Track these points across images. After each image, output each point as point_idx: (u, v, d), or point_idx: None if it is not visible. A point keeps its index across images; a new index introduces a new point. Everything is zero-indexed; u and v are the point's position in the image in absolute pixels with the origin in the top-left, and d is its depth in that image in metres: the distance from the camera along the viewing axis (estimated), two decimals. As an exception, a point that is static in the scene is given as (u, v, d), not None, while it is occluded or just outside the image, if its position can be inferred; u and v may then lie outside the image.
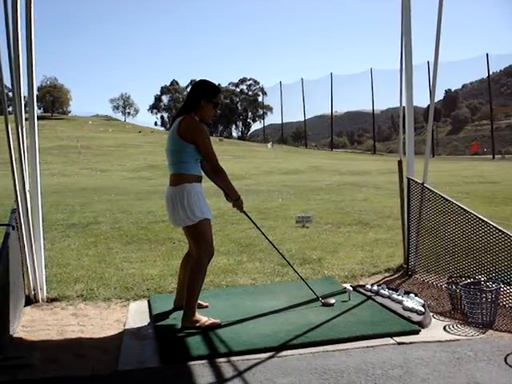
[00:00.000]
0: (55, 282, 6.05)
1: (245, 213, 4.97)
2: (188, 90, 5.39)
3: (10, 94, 5.36)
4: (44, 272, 5.67)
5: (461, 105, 60.90)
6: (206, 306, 5.06)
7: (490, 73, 39.47)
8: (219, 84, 60.32)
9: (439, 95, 54.00)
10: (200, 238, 4.61)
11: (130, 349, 4.21)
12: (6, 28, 4.88)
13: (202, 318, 4.56)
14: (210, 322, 4.55)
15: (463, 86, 62.31)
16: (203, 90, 4.66)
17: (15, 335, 4.55)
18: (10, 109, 6.20)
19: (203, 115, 4.66)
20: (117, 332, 4.64)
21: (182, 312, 4.74)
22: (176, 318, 4.78)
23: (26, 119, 5.49)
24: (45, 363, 3.95)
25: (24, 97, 5.53)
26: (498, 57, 38.95)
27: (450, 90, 58.27)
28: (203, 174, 4.77)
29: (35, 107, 5.71)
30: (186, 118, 4.57)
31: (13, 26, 5.11)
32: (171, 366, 3.88)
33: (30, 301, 5.46)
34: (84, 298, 5.60)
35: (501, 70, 54.13)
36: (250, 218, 5.13)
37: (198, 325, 4.51)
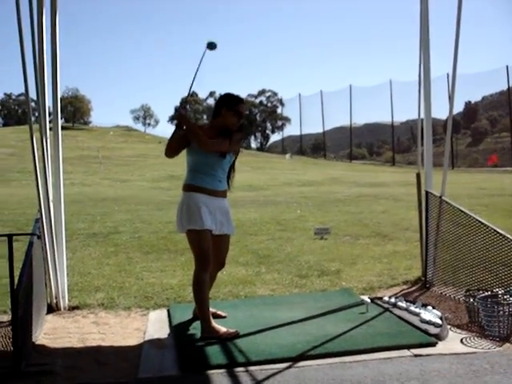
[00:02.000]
0: (76, 291, 6.15)
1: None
2: (207, 101, 5.54)
3: (34, 104, 5.49)
4: (66, 280, 5.77)
5: (480, 117, 60.46)
6: (225, 317, 5.12)
7: (510, 84, 39.16)
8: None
9: (459, 107, 53.64)
10: (192, 248, 4.80)
11: (150, 357, 4.28)
12: (31, 39, 5.00)
13: (221, 329, 4.60)
14: (228, 332, 4.58)
15: (483, 98, 61.88)
16: (224, 99, 4.87)
17: (37, 342, 4.63)
18: (34, 119, 6.31)
19: (226, 123, 4.79)
20: (137, 340, 4.71)
21: (199, 322, 4.84)
22: (195, 328, 4.84)
23: (49, 129, 5.60)
24: (67, 370, 4.03)
25: (48, 107, 5.64)
26: (519, 69, 38.61)
27: (469, 101, 57.89)
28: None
29: (59, 118, 5.83)
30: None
31: (38, 35, 5.24)
32: (190, 374, 3.94)
33: (52, 309, 5.56)
34: (105, 307, 5.68)
35: (521, 82, 53.71)
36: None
37: (216, 335, 4.55)
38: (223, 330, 4.60)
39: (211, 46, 4.91)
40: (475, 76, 37.09)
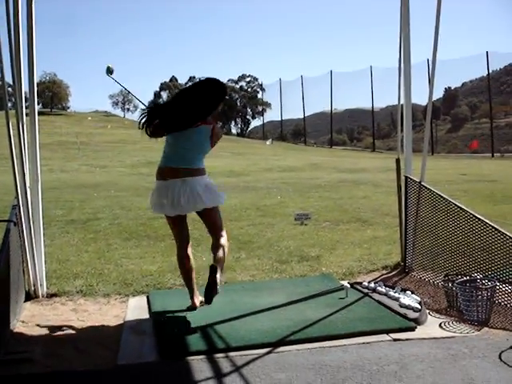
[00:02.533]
0: (55, 278, 6.09)
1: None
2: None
3: (10, 89, 5.40)
4: (44, 268, 5.71)
5: (460, 103, 60.85)
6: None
7: (490, 71, 39.45)
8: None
9: (439, 93, 53.92)
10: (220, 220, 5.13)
11: (129, 344, 4.26)
12: (7, 24, 4.91)
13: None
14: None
15: (463, 84, 62.28)
16: (222, 92, 4.87)
17: (16, 330, 4.59)
18: (10, 104, 6.22)
19: (215, 115, 4.88)
20: (116, 327, 4.68)
21: (180, 308, 4.91)
22: (175, 314, 4.83)
23: (26, 115, 5.52)
24: (45, 358, 4.00)
25: (24, 92, 5.55)
26: (498, 55, 38.83)
27: (449, 87, 58.25)
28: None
29: (36, 103, 5.74)
30: (216, 127, 4.88)
31: (14, 21, 5.13)
32: (170, 361, 3.93)
33: (30, 296, 5.50)
34: (83, 294, 5.64)
35: (501, 69, 54.13)
36: None
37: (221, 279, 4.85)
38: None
39: (109, 70, 5.15)
40: (455, 62, 37.30)
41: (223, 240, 4.95)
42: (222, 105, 4.95)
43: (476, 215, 5.20)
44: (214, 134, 4.79)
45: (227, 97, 4.90)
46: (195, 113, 4.70)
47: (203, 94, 4.72)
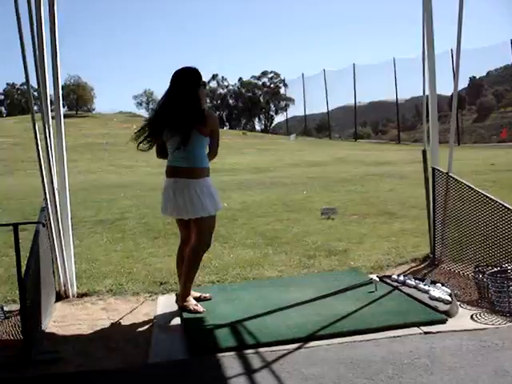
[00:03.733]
0: (85, 278, 6.16)
1: None
2: (210, 84, 5.39)
3: (36, 93, 5.46)
4: (74, 268, 5.77)
5: (486, 92, 60.04)
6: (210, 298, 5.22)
7: (515, 59, 38.85)
8: (240, 78, 59.94)
9: (464, 83, 53.31)
10: (206, 229, 4.96)
11: (160, 342, 4.28)
12: (30, 27, 4.95)
13: (198, 307, 4.89)
14: (201, 310, 4.85)
15: (488, 73, 61.42)
16: (195, 76, 4.83)
17: (47, 330, 4.65)
18: (36, 108, 6.29)
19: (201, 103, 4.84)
20: (146, 326, 4.72)
21: (210, 305, 4.95)
22: (204, 311, 4.85)
23: (52, 118, 5.58)
24: (77, 357, 4.04)
25: (50, 95, 5.61)
26: (523, 42, 38.24)
27: (474, 77, 57.49)
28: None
29: (61, 106, 5.80)
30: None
31: (37, 24, 5.19)
32: (200, 358, 3.94)
33: (61, 296, 5.56)
34: (113, 293, 5.69)
35: (526, 56, 53.23)
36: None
37: (190, 308, 4.87)
38: (200, 308, 4.91)
39: None
40: (479, 51, 36.81)
41: (190, 251, 4.95)
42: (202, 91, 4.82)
43: (505, 205, 5.13)
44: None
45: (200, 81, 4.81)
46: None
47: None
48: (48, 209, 5.22)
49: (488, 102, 56.72)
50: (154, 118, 4.92)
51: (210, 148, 4.89)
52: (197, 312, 4.79)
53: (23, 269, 4.13)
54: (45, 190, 5.19)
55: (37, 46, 5.05)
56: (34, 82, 5.14)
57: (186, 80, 4.76)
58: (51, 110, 5.61)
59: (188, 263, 4.88)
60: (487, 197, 5.36)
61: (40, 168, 5.12)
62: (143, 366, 3.87)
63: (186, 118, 4.64)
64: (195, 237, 4.90)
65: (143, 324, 4.77)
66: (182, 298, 4.93)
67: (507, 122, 44.89)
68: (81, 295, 5.67)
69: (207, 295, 5.24)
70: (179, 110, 4.68)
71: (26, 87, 6.23)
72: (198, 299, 5.12)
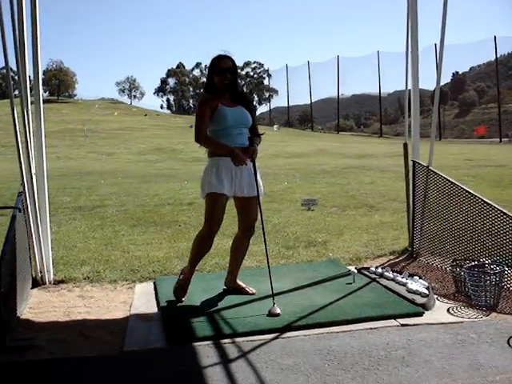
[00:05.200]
0: (62, 265, 6.10)
1: (253, 162, 4.84)
2: (194, 72, 5.34)
3: (16, 77, 5.38)
4: (50, 254, 5.72)
5: (468, 88, 60.55)
6: (253, 293, 5.04)
7: (498, 55, 39.17)
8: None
9: (446, 78, 53.80)
10: (204, 211, 4.82)
11: (136, 330, 4.25)
12: (11, 10, 4.88)
13: (181, 291, 4.90)
14: (181, 295, 4.88)
15: (471, 69, 61.99)
16: (209, 66, 4.79)
17: (22, 317, 4.60)
18: (16, 92, 6.20)
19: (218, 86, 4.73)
20: (123, 313, 4.68)
21: (188, 294, 4.91)
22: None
23: (31, 103, 5.50)
24: (52, 344, 4.00)
25: (30, 80, 5.54)
26: (506, 39, 38.51)
27: (457, 72, 57.97)
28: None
29: (41, 90, 5.73)
30: None
31: (18, 8, 5.12)
32: (177, 346, 3.92)
33: (37, 283, 5.51)
34: (90, 280, 5.64)
35: (509, 53, 53.67)
36: (255, 172, 4.87)
37: (175, 285, 4.96)
38: (181, 293, 4.89)
39: None
40: (463, 47, 37.09)
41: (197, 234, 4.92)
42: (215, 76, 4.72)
43: (484, 199, 5.16)
44: None
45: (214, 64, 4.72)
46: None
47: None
48: (25, 194, 5.15)
49: (470, 98, 57.21)
50: None
51: None
52: (175, 294, 4.88)
53: (-2, 254, 4.07)
54: (22, 174, 5.13)
55: (17, 28, 4.97)
56: (13, 65, 5.07)
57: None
58: (31, 95, 5.53)
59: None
60: (466, 191, 5.39)
61: (18, 153, 5.05)
62: (119, 354, 3.83)
63: None
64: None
65: (120, 312, 4.73)
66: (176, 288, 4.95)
67: (488, 118, 45.33)
68: (57, 282, 5.62)
69: (250, 291, 5.07)
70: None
71: (5, 70, 6.20)
72: (241, 290, 5.07)
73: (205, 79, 4.94)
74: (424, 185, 5.99)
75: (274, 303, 4.47)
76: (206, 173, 4.74)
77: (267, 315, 4.35)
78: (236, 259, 5.10)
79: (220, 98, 4.69)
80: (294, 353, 3.73)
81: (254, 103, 65.44)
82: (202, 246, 4.82)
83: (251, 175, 4.79)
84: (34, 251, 5.40)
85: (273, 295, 4.58)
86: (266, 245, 5.01)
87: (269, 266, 4.80)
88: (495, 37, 36.37)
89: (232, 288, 5.08)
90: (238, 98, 4.82)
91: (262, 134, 5.01)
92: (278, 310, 4.39)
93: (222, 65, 4.70)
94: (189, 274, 4.93)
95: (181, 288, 4.89)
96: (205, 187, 4.73)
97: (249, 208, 4.92)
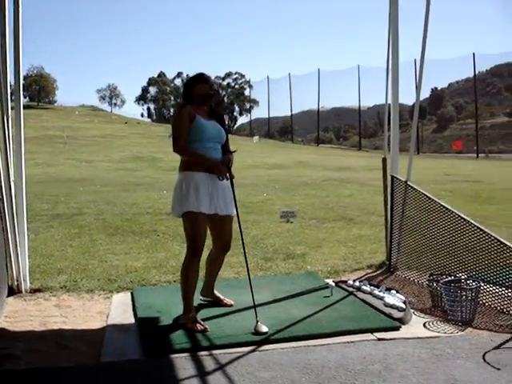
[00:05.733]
0: (38, 273, 6.05)
1: (231, 177, 4.75)
2: (175, 82, 5.27)
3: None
4: (27, 262, 5.66)
5: (447, 103, 61.18)
6: (231, 305, 5.00)
7: (477, 72, 39.70)
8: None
9: (425, 93, 54.28)
10: (186, 232, 4.60)
11: (113, 341, 4.22)
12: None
13: (196, 326, 4.37)
14: (200, 328, 4.35)
15: (449, 85, 62.64)
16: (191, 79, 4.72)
17: (-2, 325, 4.55)
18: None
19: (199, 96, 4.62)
20: (100, 324, 4.65)
21: (166, 305, 4.85)
22: (159, 311, 4.81)
23: (11, 108, 5.46)
24: (28, 354, 3.96)
25: (10, 85, 5.50)
26: (485, 56, 39.12)
27: (436, 88, 58.57)
28: None
29: (21, 96, 5.69)
30: None
31: (0, 13, 5.09)
32: (153, 358, 3.90)
33: (13, 291, 5.45)
34: (67, 290, 5.60)
35: (487, 70, 54.43)
36: (233, 187, 4.80)
37: (188, 326, 4.39)
38: (198, 326, 4.36)
39: None
40: (442, 62, 37.43)
41: (183, 263, 4.67)
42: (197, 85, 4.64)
43: (461, 215, 5.22)
44: None
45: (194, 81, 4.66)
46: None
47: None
48: (3, 201, 5.11)
49: (448, 113, 57.81)
50: None
51: None
52: (196, 331, 4.32)
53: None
54: (0, 181, 5.08)
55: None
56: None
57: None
58: (11, 100, 5.50)
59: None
60: (444, 206, 5.44)
61: (-4, 159, 5.02)
62: (95, 365, 3.81)
63: None
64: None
65: (96, 322, 4.70)
66: (183, 315, 4.52)
67: (465, 133, 45.80)
68: (34, 291, 5.56)
69: (228, 302, 5.03)
70: None
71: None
72: (219, 301, 5.00)
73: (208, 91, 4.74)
74: (402, 199, 6.04)
75: (257, 320, 4.35)
76: (179, 188, 4.52)
77: (253, 334, 4.24)
78: (212, 272, 5.03)
79: (197, 109, 4.58)
80: (272, 366, 3.73)
81: (235, 113, 65.59)
82: (191, 274, 4.54)
83: (226, 191, 4.67)
84: (10, 259, 5.34)
85: (255, 311, 4.47)
86: (246, 257, 4.96)
87: (250, 279, 4.74)
88: (474, 54, 36.90)
89: (209, 299, 5.05)
90: (214, 113, 4.72)
91: (235, 151, 4.85)
92: (265, 329, 4.27)
93: (205, 77, 4.66)
94: (191, 309, 4.54)
95: (195, 323, 4.40)
96: (180, 205, 4.50)
97: (224, 227, 4.80)
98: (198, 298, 5.06)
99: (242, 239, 4.89)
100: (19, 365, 3.79)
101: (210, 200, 4.53)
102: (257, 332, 4.25)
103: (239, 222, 4.82)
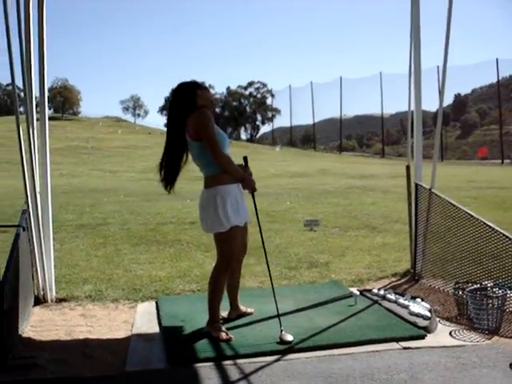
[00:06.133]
0: (64, 283, 6.10)
1: (253, 194, 4.71)
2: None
3: (22, 94, 5.43)
4: (53, 272, 5.72)
5: (470, 109, 60.71)
6: (251, 313, 5.02)
7: (500, 78, 39.31)
8: (228, 87, 59.86)
9: (448, 99, 53.82)
10: (224, 246, 4.49)
11: (138, 350, 4.24)
12: (18, 28, 4.93)
13: (221, 335, 4.37)
14: (225, 337, 4.34)
15: (473, 91, 62.17)
16: (192, 86, 4.50)
17: (24, 335, 4.59)
18: (21, 109, 6.25)
19: (205, 101, 4.47)
20: (124, 333, 4.67)
21: (190, 315, 4.87)
22: (184, 320, 4.82)
23: (37, 120, 5.53)
24: (53, 363, 3.99)
25: (35, 97, 5.58)
26: (508, 61, 38.67)
27: (459, 94, 58.08)
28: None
29: (46, 108, 5.76)
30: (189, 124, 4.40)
31: (25, 25, 5.17)
32: (178, 367, 3.91)
33: (39, 301, 5.51)
34: (92, 299, 5.64)
35: (510, 75, 53.85)
36: (255, 203, 4.74)
37: (213, 335, 4.39)
38: (223, 335, 4.36)
39: None
40: (465, 68, 37.18)
41: (213, 273, 4.56)
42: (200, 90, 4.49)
43: (486, 222, 5.16)
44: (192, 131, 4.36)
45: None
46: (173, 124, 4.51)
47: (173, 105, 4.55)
48: (29, 212, 5.17)
49: (472, 119, 57.33)
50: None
51: None
52: (223, 341, 4.30)
53: (1, 272, 4.07)
54: (26, 192, 5.15)
55: (24, 46, 5.03)
56: (19, 83, 5.11)
57: (187, 89, 4.48)
58: (37, 112, 5.57)
59: (208, 291, 4.56)
60: (469, 214, 5.39)
61: (22, 170, 5.08)
62: (120, 375, 3.82)
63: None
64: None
65: (121, 331, 4.73)
66: (208, 325, 4.51)
67: (489, 139, 45.36)
68: (59, 300, 5.62)
69: (249, 310, 5.04)
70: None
71: (11, 87, 6.24)
72: (242, 314, 4.96)
73: (211, 98, 4.66)
74: (426, 207, 6.00)
75: (281, 330, 4.33)
76: (217, 204, 4.33)
77: (278, 343, 4.22)
78: (235, 286, 4.91)
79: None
80: (296, 375, 3.72)
81: (257, 122, 65.60)
82: (222, 286, 4.53)
83: (243, 197, 4.59)
84: (36, 269, 5.40)
85: (279, 320, 4.47)
86: (268, 266, 4.94)
87: (273, 288, 4.77)
88: (497, 59, 36.57)
89: (235, 316, 4.94)
90: (217, 121, 4.61)
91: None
92: (290, 338, 4.25)
93: (204, 85, 4.60)
94: (217, 319, 4.54)
95: (220, 332, 4.41)
96: (219, 221, 4.34)
97: (246, 231, 4.77)
98: (223, 307, 5.07)
99: (264, 248, 4.87)
100: (45, 374, 3.83)
101: (241, 211, 4.48)
102: (282, 341, 4.23)
103: (261, 232, 4.82)
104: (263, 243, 4.86)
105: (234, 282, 4.89)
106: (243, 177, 4.51)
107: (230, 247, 4.46)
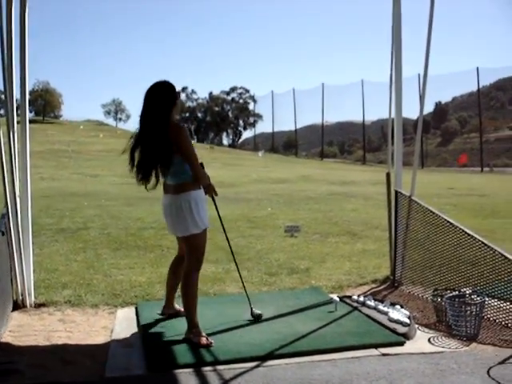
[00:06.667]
0: (43, 288, 6.05)
1: (213, 198, 4.93)
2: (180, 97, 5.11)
3: (2, 96, 5.38)
4: (32, 277, 5.67)
5: (450, 117, 61.17)
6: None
7: (480, 86, 39.67)
8: (211, 92, 59.76)
9: (429, 107, 54.19)
10: (197, 247, 4.62)
11: (117, 356, 4.23)
12: (-1, 31, 4.90)
13: (202, 338, 4.41)
14: (206, 342, 4.37)
15: (453, 99, 62.64)
16: (172, 88, 4.71)
17: (2, 340, 4.55)
18: (2, 112, 6.21)
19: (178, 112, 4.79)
20: (104, 339, 4.65)
21: (170, 320, 4.85)
22: (163, 326, 4.82)
23: (17, 122, 5.49)
24: (32, 369, 3.97)
25: (16, 100, 5.54)
26: (488, 70, 39.01)
27: (440, 102, 58.47)
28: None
29: (27, 111, 5.72)
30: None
31: (6, 28, 5.14)
32: (157, 373, 3.91)
33: (18, 306, 5.46)
34: (72, 304, 5.60)
35: (491, 84, 54.34)
36: (216, 207, 5.00)
37: (193, 340, 4.41)
38: (204, 340, 4.39)
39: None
40: (446, 77, 37.42)
41: (185, 277, 4.61)
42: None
43: (465, 230, 5.21)
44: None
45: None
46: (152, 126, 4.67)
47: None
48: (8, 216, 5.13)
49: (452, 127, 57.80)
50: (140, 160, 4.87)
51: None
52: (203, 346, 4.33)
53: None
54: (6, 196, 5.11)
55: (5, 49, 4.99)
56: (0, 85, 5.08)
57: (169, 91, 4.69)
58: (17, 115, 5.53)
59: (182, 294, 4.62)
60: (448, 221, 5.44)
61: (2, 173, 5.04)
62: (99, 381, 3.81)
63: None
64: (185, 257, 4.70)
65: (101, 337, 4.70)
66: (188, 331, 4.51)
67: (469, 147, 45.74)
68: (38, 305, 5.57)
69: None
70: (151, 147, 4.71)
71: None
72: (176, 314, 5.06)
73: (190, 104, 4.86)
74: (406, 214, 6.04)
75: (251, 307, 4.75)
76: (192, 208, 4.49)
77: (250, 320, 4.62)
78: (176, 285, 4.98)
79: None
80: (276, 381, 3.73)
81: (239, 128, 65.63)
82: (196, 288, 4.56)
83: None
84: (15, 274, 5.35)
85: (248, 298, 4.90)
86: (237, 266, 5.23)
87: (242, 279, 5.19)
88: (478, 68, 36.92)
89: (170, 312, 5.10)
90: None
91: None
92: (259, 311, 4.69)
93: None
94: (197, 324, 4.54)
95: (201, 337, 4.43)
96: (194, 223, 4.49)
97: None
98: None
99: (230, 247, 5.28)
100: (23, 380, 3.80)
101: (207, 214, 4.68)
102: (253, 316, 4.52)
103: (226, 235, 5.32)
104: (230, 245, 5.26)
105: (178, 281, 4.90)
106: (208, 183, 4.73)
107: (203, 247, 4.64)
